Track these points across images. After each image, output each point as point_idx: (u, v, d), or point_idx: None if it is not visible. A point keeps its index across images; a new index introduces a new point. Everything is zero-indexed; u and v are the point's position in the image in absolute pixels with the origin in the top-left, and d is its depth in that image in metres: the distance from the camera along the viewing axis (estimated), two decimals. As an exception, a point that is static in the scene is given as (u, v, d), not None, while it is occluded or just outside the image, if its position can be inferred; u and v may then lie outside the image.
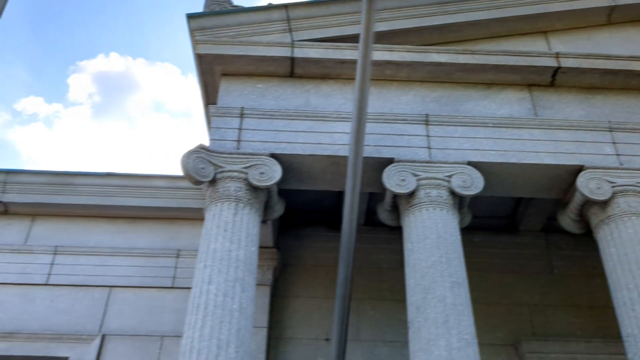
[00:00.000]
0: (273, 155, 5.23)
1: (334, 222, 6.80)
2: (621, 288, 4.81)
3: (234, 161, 5.15)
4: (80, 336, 6.08)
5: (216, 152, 5.19)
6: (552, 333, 6.32)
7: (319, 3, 5.93)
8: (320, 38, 5.91)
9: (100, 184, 6.79)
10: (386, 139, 5.40)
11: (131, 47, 23.28)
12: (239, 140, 5.33)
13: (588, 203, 5.29)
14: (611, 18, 6.43)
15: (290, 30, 5.90)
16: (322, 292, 6.46)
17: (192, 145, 5.21)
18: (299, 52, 5.70)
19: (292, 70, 5.78)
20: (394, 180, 5.16)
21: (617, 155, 5.42)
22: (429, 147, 5.39)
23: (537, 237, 6.96)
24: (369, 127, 5.35)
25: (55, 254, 6.57)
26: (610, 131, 5.56)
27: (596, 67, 5.76)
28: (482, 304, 6.37)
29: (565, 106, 5.77)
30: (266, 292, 6.28)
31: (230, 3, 6.02)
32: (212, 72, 5.85)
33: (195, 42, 5.69)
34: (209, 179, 5.07)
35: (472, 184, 5.19)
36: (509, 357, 6.16)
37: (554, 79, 5.85)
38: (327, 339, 6.19)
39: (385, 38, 5.97)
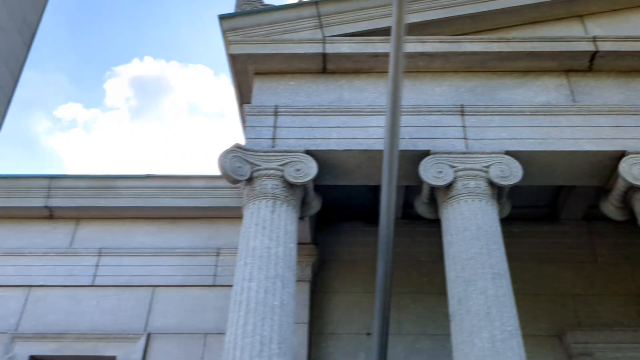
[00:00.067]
0: (308, 152, 5.26)
1: (370, 216, 6.79)
2: (669, 275, 4.69)
3: (269, 159, 5.19)
4: (126, 335, 6.22)
5: (252, 151, 5.24)
6: (597, 323, 6.20)
7: (348, -2, 5.92)
8: (351, 33, 5.90)
9: (141, 186, 6.92)
10: (421, 131, 5.37)
11: (164, 51, 23.67)
12: (274, 138, 5.37)
13: (631, 189, 5.16)
14: (650, -2, 6.25)
15: (321, 27, 5.91)
16: (362, 286, 6.47)
17: (227, 145, 5.27)
18: (331, 48, 5.70)
19: (325, 66, 5.79)
20: (430, 173, 5.13)
21: (661, 139, 5.27)
22: (465, 138, 5.33)
23: (578, 226, 6.83)
24: (404, 119, 5.31)
25: (99, 255, 6.73)
26: (653, 115, 5.41)
27: (636, 49, 5.61)
28: (525, 295, 6.28)
29: (605, 91, 5.64)
30: (306, 288, 6.32)
31: (261, 2, 6.05)
32: (245, 72, 5.90)
33: (227, 43, 5.75)
34: (246, 177, 5.13)
35: (511, 173, 5.12)
36: (553, 348, 6.08)
37: (591, 64, 5.71)
38: (369, 334, 6.19)
39: (417, 29, 5.92)
